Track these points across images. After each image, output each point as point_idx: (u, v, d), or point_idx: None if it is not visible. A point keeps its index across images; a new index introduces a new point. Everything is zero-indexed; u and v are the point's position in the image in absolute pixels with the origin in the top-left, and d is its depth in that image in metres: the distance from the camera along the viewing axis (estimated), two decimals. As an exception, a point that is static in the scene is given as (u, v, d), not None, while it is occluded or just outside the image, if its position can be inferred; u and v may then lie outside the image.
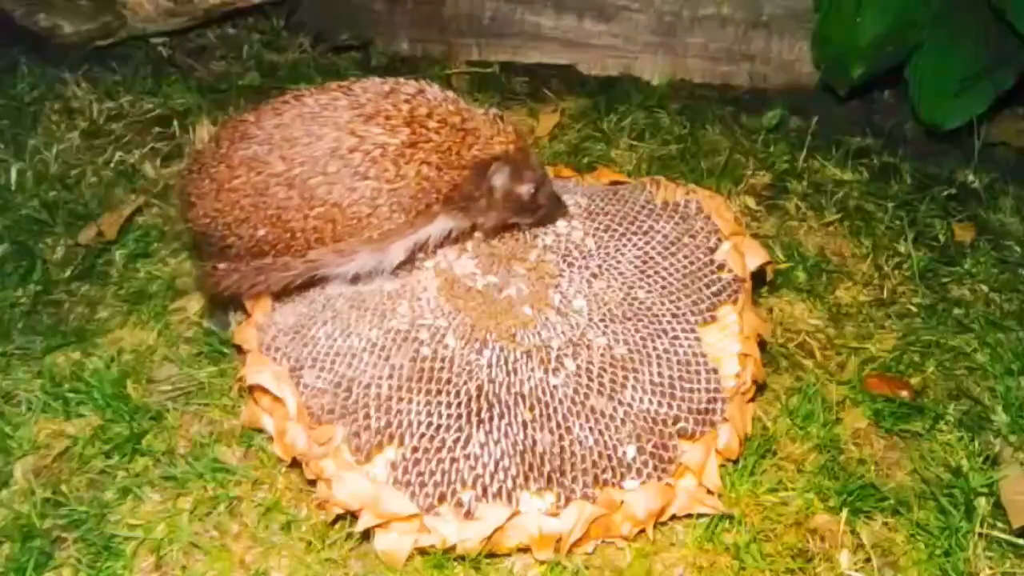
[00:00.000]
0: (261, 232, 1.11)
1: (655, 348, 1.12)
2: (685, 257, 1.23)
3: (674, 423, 1.07)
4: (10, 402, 1.20)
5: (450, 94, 1.15)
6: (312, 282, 1.19)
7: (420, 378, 1.07)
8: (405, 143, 1.09)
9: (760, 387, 1.19)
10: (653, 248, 1.24)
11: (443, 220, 1.16)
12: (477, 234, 1.25)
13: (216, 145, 1.14)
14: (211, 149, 1.15)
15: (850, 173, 1.65)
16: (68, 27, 1.87)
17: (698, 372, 1.11)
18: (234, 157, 1.10)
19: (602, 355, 1.10)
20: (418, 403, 1.05)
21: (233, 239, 1.12)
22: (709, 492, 1.06)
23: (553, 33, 1.90)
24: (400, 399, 1.06)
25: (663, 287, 1.19)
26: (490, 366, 1.08)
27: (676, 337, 1.14)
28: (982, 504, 1.08)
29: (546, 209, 1.22)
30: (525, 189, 1.17)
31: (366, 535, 1.02)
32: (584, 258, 1.22)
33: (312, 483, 1.06)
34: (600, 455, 1.04)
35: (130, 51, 1.93)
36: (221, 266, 1.16)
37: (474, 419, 1.04)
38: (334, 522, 1.04)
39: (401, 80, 1.14)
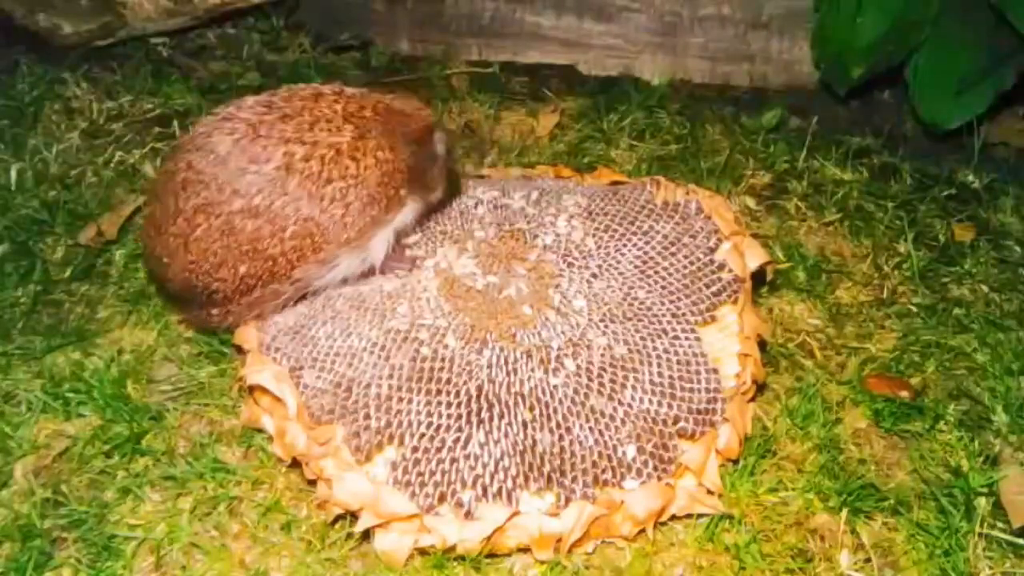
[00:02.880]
0: (243, 269, 1.11)
1: (655, 348, 1.12)
2: (685, 257, 1.23)
3: (674, 423, 1.07)
4: (10, 402, 1.20)
5: (362, 89, 1.19)
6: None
7: (420, 378, 1.07)
8: (355, 137, 1.11)
9: (760, 387, 1.19)
10: (653, 248, 1.24)
11: (410, 203, 1.19)
12: (478, 233, 1.25)
13: (162, 203, 1.13)
14: (160, 208, 1.13)
15: (850, 173, 1.65)
16: (68, 27, 1.87)
17: (698, 372, 1.11)
18: (187, 209, 1.10)
19: (602, 355, 1.10)
20: (418, 403, 1.05)
21: (217, 284, 1.13)
22: (709, 492, 1.06)
23: (553, 33, 1.90)
24: (400, 399, 1.06)
25: (663, 287, 1.19)
26: (490, 366, 1.08)
27: (676, 337, 1.14)
28: (982, 504, 1.08)
29: (453, 181, 1.28)
30: (449, 157, 1.24)
31: (366, 535, 1.02)
32: (584, 258, 1.22)
33: (312, 483, 1.06)
34: (600, 455, 1.04)
35: (130, 51, 1.93)
36: (214, 312, 1.17)
37: (474, 419, 1.04)
38: (334, 522, 1.04)
39: (314, 84, 1.18)
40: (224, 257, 1.10)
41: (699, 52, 1.87)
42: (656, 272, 1.21)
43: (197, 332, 1.27)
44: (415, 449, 1.03)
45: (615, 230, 1.26)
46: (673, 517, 1.05)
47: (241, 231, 1.09)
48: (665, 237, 1.25)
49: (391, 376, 1.08)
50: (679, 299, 1.18)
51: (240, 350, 1.20)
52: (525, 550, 1.02)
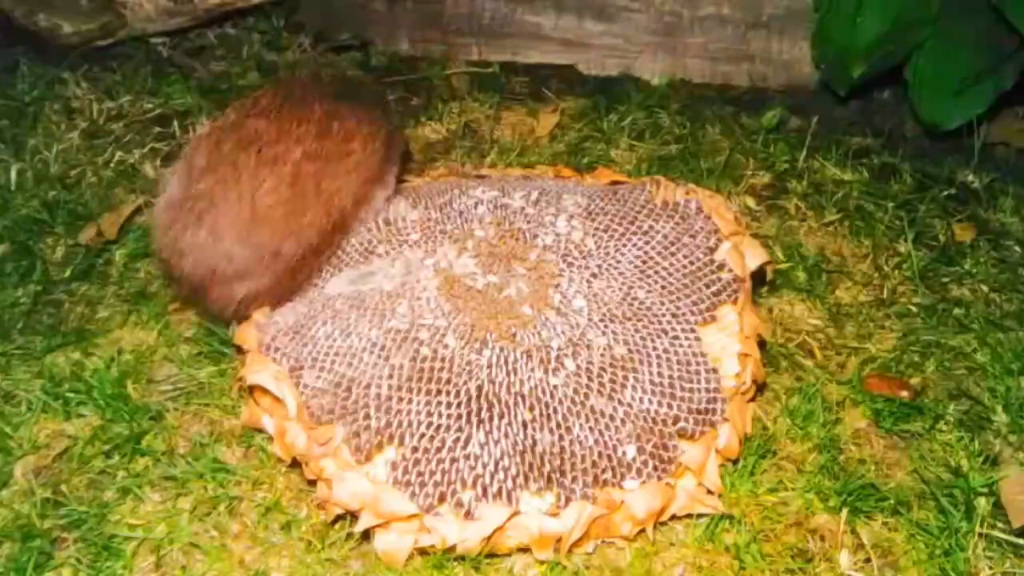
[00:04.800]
0: (307, 218, 1.17)
1: (655, 348, 1.12)
2: (685, 257, 1.23)
3: (674, 423, 1.07)
4: (10, 402, 1.20)
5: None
6: (311, 282, 1.21)
7: (420, 378, 1.07)
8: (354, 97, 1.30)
9: (760, 387, 1.19)
10: (653, 248, 1.24)
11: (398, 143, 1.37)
12: (478, 233, 1.25)
13: (217, 171, 1.15)
14: (221, 174, 1.14)
15: (850, 173, 1.65)
16: (68, 27, 1.87)
17: (698, 372, 1.11)
18: (251, 163, 1.15)
19: (602, 355, 1.10)
20: (418, 403, 1.05)
21: (285, 243, 1.16)
22: (709, 492, 1.06)
23: (553, 33, 1.90)
24: (400, 399, 1.06)
25: (663, 287, 1.19)
26: (490, 366, 1.08)
27: (676, 337, 1.14)
28: (982, 504, 1.08)
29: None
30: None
31: (366, 535, 1.02)
32: (584, 258, 1.22)
33: (312, 483, 1.06)
34: (600, 455, 1.04)
35: (130, 51, 1.93)
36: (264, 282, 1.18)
37: (474, 419, 1.04)
38: (334, 522, 1.04)
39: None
40: (292, 206, 1.15)
41: (699, 52, 1.87)
42: (656, 272, 1.21)
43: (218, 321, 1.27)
44: (415, 449, 1.03)
45: (615, 230, 1.26)
46: (673, 517, 1.05)
47: (308, 175, 1.16)
48: (665, 237, 1.25)
49: (391, 376, 1.08)
50: (679, 299, 1.18)
51: (240, 350, 1.20)
52: (525, 550, 1.02)
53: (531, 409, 1.06)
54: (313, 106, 1.21)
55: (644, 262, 1.22)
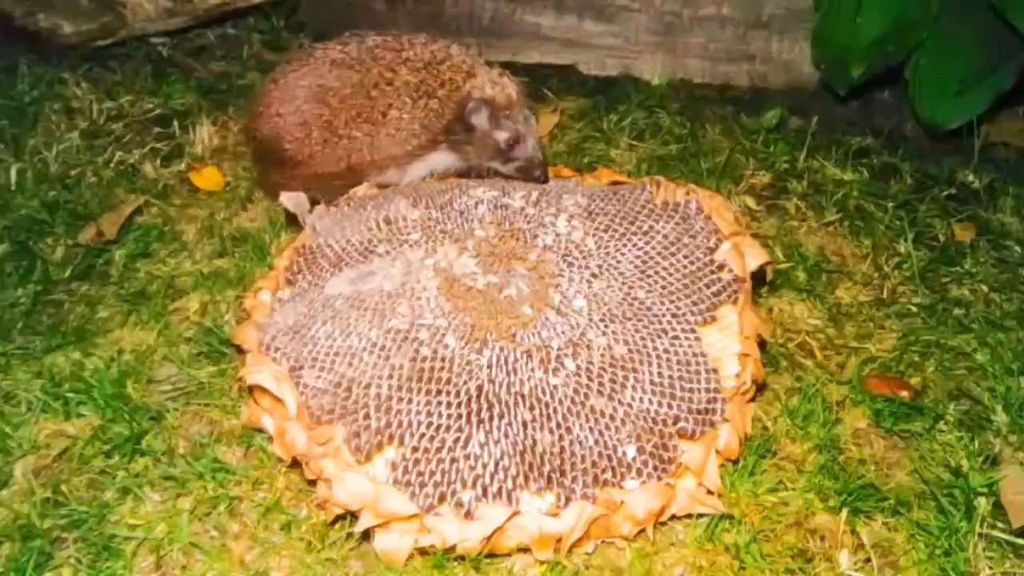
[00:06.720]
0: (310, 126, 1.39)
1: (655, 348, 1.12)
2: (685, 257, 1.23)
3: (674, 423, 1.07)
4: (10, 402, 1.20)
5: (467, 50, 1.42)
6: (311, 282, 1.20)
7: (420, 378, 1.07)
8: (422, 81, 1.36)
9: (760, 387, 1.19)
10: (653, 248, 1.24)
11: (444, 151, 1.40)
12: (478, 233, 1.25)
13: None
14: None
15: (850, 173, 1.65)
16: (68, 27, 1.87)
17: (698, 372, 1.11)
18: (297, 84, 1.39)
19: (602, 355, 1.10)
20: (418, 403, 1.05)
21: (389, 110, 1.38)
22: (709, 492, 1.06)
23: (553, 33, 1.90)
24: (400, 399, 1.06)
25: (663, 287, 1.19)
26: (490, 366, 1.08)
27: (676, 337, 1.14)
28: (982, 504, 1.08)
29: (522, 163, 1.39)
30: (503, 137, 1.37)
31: (366, 535, 1.02)
32: (584, 258, 1.22)
33: (312, 483, 1.06)
34: (600, 455, 1.04)
35: (130, 51, 1.93)
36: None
37: (474, 419, 1.04)
38: (334, 522, 1.04)
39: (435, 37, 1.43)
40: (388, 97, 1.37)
41: (699, 52, 1.88)
42: (656, 272, 1.21)
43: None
44: (415, 449, 1.03)
45: (615, 230, 1.26)
46: (673, 517, 1.05)
47: (323, 108, 1.39)
48: (665, 237, 1.25)
49: (391, 376, 1.08)
50: (679, 299, 1.18)
51: (240, 350, 1.20)
52: (525, 550, 1.02)
53: (531, 409, 1.05)
54: (369, 66, 1.37)
55: (644, 262, 1.22)
